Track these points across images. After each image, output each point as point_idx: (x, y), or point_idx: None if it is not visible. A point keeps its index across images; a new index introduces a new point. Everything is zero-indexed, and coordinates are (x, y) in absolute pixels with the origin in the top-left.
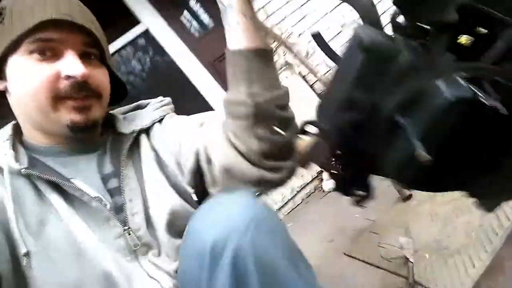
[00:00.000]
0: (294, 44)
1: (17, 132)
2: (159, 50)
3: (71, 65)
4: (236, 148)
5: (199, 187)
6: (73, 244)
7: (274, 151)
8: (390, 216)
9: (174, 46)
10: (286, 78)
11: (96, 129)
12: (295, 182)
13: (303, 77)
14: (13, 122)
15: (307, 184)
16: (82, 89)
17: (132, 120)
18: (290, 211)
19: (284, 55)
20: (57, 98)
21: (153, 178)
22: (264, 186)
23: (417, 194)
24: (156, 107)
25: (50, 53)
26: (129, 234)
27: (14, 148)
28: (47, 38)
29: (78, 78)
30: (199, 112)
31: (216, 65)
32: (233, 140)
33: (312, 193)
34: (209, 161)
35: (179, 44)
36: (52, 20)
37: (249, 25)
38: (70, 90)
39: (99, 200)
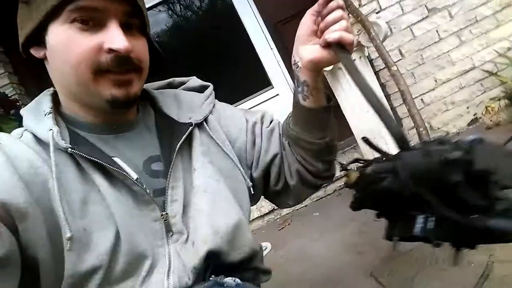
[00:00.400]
0: (373, 23)
1: (56, 102)
2: None
3: (114, 38)
4: (305, 168)
5: (260, 182)
6: (113, 224)
7: (329, 167)
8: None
9: None
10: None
11: (135, 104)
12: None
13: (371, 61)
14: (51, 91)
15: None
16: (124, 63)
17: (178, 103)
18: (319, 199)
19: (357, 35)
20: (97, 71)
21: (203, 168)
22: (319, 187)
23: None
24: (204, 99)
25: (92, 22)
26: (165, 220)
27: (56, 122)
28: (90, 6)
29: (121, 52)
30: (248, 65)
31: (278, 27)
32: (303, 163)
33: None
34: (280, 167)
35: None
36: None
37: (320, 94)
38: (112, 63)
39: (140, 183)
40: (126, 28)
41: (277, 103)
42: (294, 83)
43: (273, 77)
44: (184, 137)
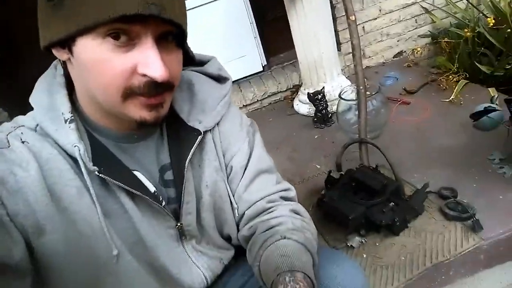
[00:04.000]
0: None
1: (73, 101)
2: None
3: (150, 62)
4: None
5: None
6: (134, 235)
7: None
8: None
9: None
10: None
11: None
12: (270, 87)
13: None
14: (63, 84)
15: (280, 92)
16: (158, 87)
17: (190, 98)
18: (255, 110)
19: None
20: (128, 94)
21: (215, 186)
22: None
23: None
24: (220, 99)
25: (126, 37)
26: (180, 229)
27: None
28: (127, 30)
29: (157, 80)
30: None
31: None
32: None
33: (281, 101)
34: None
35: None
36: (138, 14)
37: None
38: (145, 89)
39: (157, 196)
40: (162, 40)
41: (224, 5)
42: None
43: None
44: (193, 149)
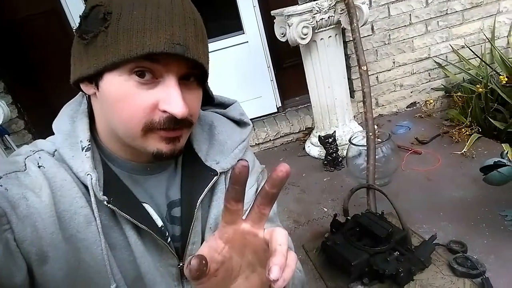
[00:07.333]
0: (357, 7)
1: (91, 127)
2: None
3: (172, 99)
4: None
5: None
6: (135, 269)
7: None
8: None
9: None
10: (328, 38)
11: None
12: (283, 128)
13: (345, 42)
14: (86, 112)
15: (292, 133)
16: (178, 123)
17: (210, 140)
18: (267, 149)
19: (340, 14)
20: (148, 128)
21: (216, 225)
22: None
23: None
24: (238, 143)
25: (150, 76)
26: (182, 269)
27: (93, 158)
28: (152, 68)
29: (178, 117)
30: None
31: None
32: None
33: (293, 142)
34: None
35: None
36: (164, 52)
37: None
38: (165, 124)
39: (163, 232)
40: (184, 80)
41: (245, 50)
42: None
43: (246, 23)
44: (207, 189)
